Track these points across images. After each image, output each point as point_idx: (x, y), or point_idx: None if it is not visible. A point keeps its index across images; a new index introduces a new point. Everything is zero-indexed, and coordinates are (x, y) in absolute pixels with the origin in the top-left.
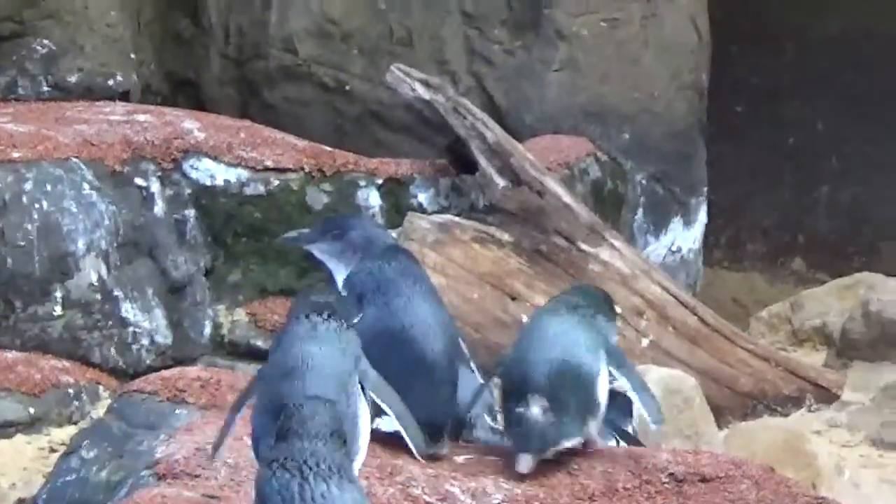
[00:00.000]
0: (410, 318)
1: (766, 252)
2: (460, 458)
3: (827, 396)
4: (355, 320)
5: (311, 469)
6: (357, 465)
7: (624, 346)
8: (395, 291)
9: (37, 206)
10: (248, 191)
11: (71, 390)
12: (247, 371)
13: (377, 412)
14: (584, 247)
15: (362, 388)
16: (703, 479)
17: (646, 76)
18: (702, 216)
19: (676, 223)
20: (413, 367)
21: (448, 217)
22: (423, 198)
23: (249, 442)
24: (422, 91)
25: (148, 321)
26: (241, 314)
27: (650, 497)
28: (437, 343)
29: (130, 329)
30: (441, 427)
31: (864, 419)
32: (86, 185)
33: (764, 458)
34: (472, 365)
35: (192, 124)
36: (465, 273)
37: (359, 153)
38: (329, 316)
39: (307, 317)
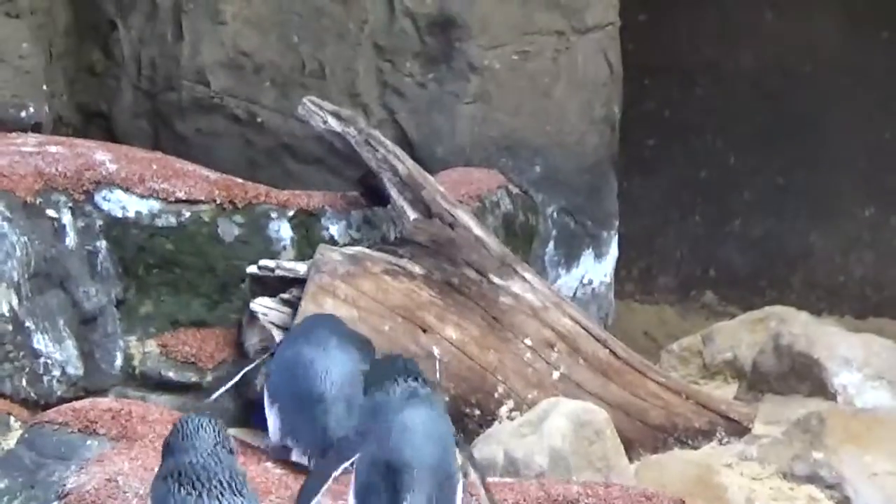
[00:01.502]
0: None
1: (678, 285)
2: None
3: (738, 429)
4: None
5: (203, 485)
6: None
7: (535, 379)
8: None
9: None
10: (160, 222)
11: None
12: (158, 402)
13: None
14: (495, 279)
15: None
16: None
17: (558, 109)
18: (613, 249)
19: (588, 256)
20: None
21: (359, 249)
22: (334, 230)
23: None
24: (334, 123)
25: (59, 352)
26: (152, 346)
27: None
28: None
29: (42, 360)
30: None
31: (775, 452)
32: None
33: (675, 490)
34: None
35: (103, 156)
36: (376, 305)
37: (270, 185)
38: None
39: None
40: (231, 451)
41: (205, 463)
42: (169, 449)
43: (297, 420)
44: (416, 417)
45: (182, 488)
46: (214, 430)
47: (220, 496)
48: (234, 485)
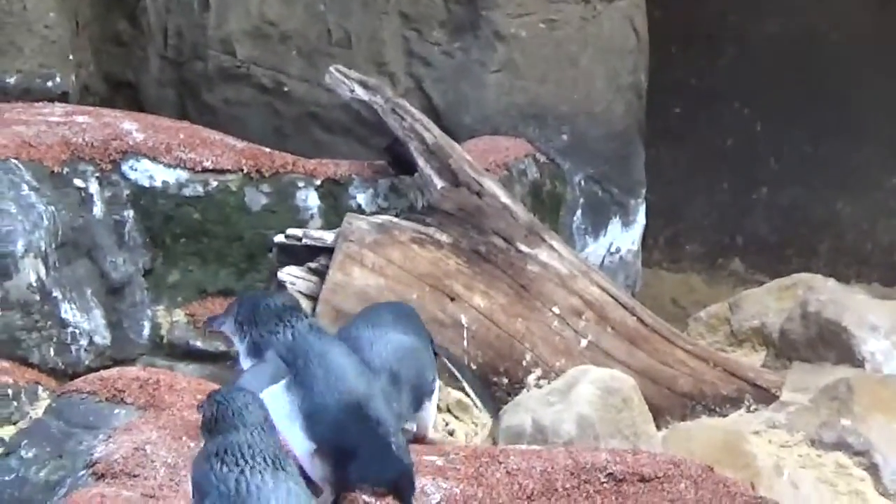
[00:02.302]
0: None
1: (705, 253)
2: None
3: (766, 397)
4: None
5: (246, 462)
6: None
7: (563, 347)
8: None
9: None
10: (187, 192)
11: (10, 391)
12: (185, 372)
13: None
14: (522, 247)
15: None
16: (643, 479)
17: (584, 77)
18: (640, 217)
19: (615, 224)
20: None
21: (387, 218)
22: (361, 199)
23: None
24: (360, 92)
25: (87, 322)
26: (179, 315)
27: (589, 497)
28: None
29: (69, 330)
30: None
31: (803, 419)
32: (25, 187)
33: (703, 458)
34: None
35: (130, 125)
36: (403, 274)
37: (297, 154)
38: None
39: None
40: (274, 428)
41: (248, 440)
42: (210, 426)
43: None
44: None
45: (224, 465)
46: (257, 407)
47: (262, 472)
48: (277, 461)
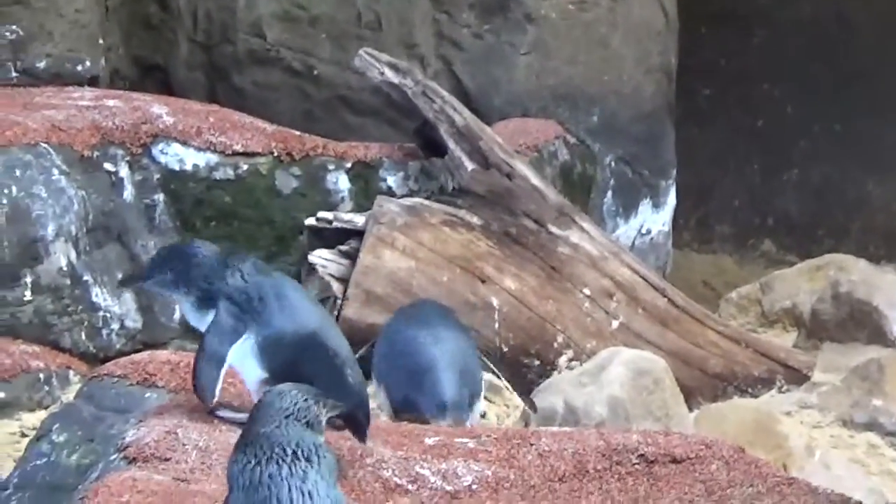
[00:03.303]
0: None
1: (736, 234)
2: (430, 440)
3: (797, 377)
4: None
5: (264, 453)
6: None
7: (594, 328)
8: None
9: (6, 191)
10: (218, 175)
11: (41, 375)
12: None
13: None
14: (553, 229)
15: None
16: (674, 460)
17: (614, 59)
18: (671, 198)
19: (646, 205)
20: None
21: (417, 200)
22: (392, 181)
23: (221, 426)
24: (390, 75)
25: (118, 306)
26: None
27: (621, 478)
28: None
29: (100, 313)
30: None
31: (835, 400)
32: (55, 171)
33: (734, 439)
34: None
35: (160, 109)
36: (434, 256)
37: (327, 137)
38: None
39: None
40: (308, 424)
41: (272, 432)
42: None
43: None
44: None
45: (245, 457)
46: (289, 401)
47: (279, 463)
48: (300, 452)
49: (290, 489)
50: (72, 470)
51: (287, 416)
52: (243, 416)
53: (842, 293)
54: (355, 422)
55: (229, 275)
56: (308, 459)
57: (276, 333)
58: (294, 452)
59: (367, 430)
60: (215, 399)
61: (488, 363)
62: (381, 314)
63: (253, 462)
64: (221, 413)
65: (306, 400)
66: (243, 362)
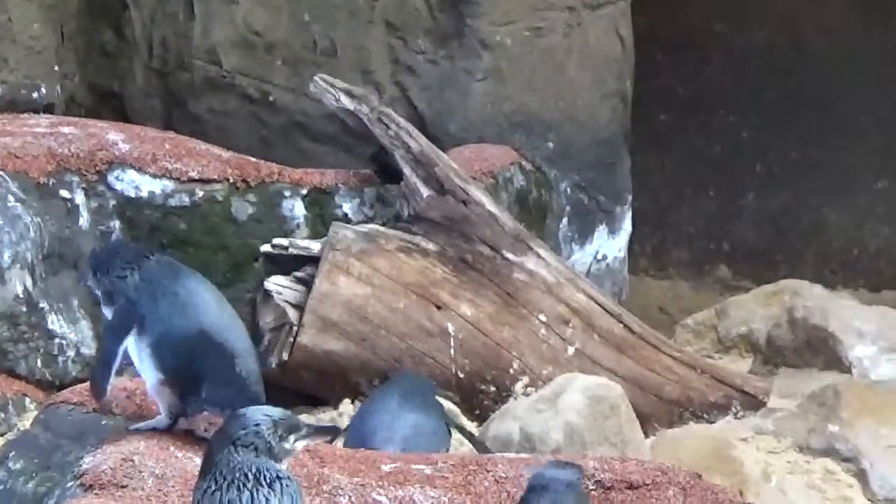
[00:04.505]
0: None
1: (691, 260)
2: (387, 467)
3: (753, 403)
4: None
5: (224, 478)
6: None
7: (550, 355)
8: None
9: None
10: (173, 202)
11: None
12: None
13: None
14: (509, 255)
15: None
16: (631, 486)
17: (570, 85)
18: (627, 224)
19: (601, 231)
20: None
21: (373, 227)
22: (347, 207)
23: (177, 453)
24: (346, 101)
25: (74, 333)
26: None
27: None
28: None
29: (57, 340)
30: None
31: (791, 425)
32: (11, 197)
33: (691, 465)
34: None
35: (116, 136)
36: (390, 282)
37: (283, 164)
38: None
39: None
40: (258, 450)
41: (234, 459)
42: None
43: None
44: (193, 280)
45: (205, 482)
46: (241, 426)
47: (240, 489)
48: (263, 478)
49: None
50: (28, 497)
51: (235, 441)
52: (154, 423)
53: (797, 318)
54: None
55: (129, 273)
56: (270, 486)
57: (165, 333)
58: (256, 478)
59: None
60: (107, 395)
61: (452, 426)
62: (337, 341)
63: (213, 487)
64: (134, 426)
65: (258, 425)
66: (141, 365)
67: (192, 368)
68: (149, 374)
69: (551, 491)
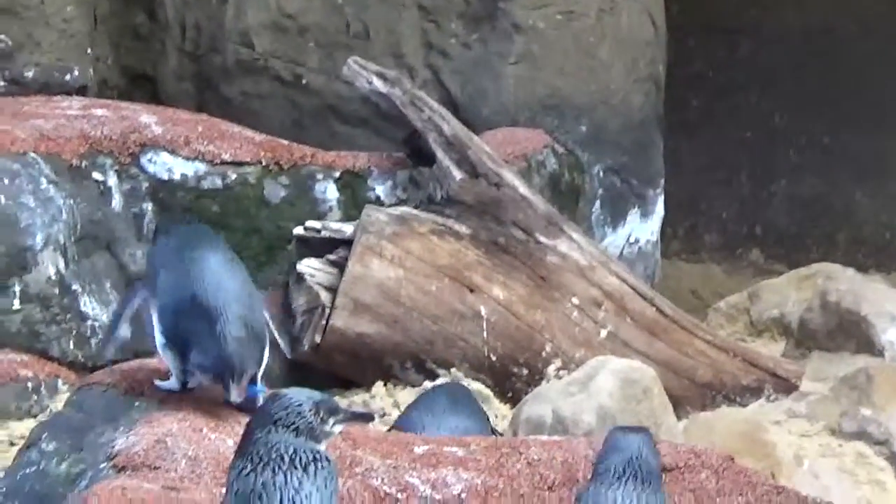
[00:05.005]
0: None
1: (724, 243)
2: (419, 449)
3: (786, 387)
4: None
5: (261, 459)
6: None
7: (582, 338)
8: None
9: None
10: (206, 184)
11: (30, 384)
12: None
13: None
14: (541, 239)
15: None
16: (663, 469)
17: (602, 68)
18: (659, 208)
19: (634, 215)
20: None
21: (405, 209)
22: (380, 190)
23: (210, 435)
24: (378, 84)
25: (106, 315)
26: None
27: None
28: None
29: (89, 322)
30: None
31: (824, 409)
32: (43, 180)
33: (723, 448)
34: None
35: (149, 118)
36: (422, 265)
37: (316, 146)
38: None
39: None
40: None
41: (271, 440)
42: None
43: None
44: (200, 249)
45: (241, 461)
46: (282, 407)
47: (275, 470)
48: (299, 460)
49: (281, 500)
50: (61, 479)
51: (276, 421)
52: (168, 385)
53: (830, 302)
54: (222, 379)
55: (159, 240)
56: (305, 469)
57: (166, 298)
58: (291, 460)
59: (230, 387)
60: (109, 357)
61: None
62: (369, 323)
63: (249, 468)
64: (157, 383)
65: (300, 405)
66: (153, 332)
67: (183, 334)
68: (156, 337)
69: (626, 449)
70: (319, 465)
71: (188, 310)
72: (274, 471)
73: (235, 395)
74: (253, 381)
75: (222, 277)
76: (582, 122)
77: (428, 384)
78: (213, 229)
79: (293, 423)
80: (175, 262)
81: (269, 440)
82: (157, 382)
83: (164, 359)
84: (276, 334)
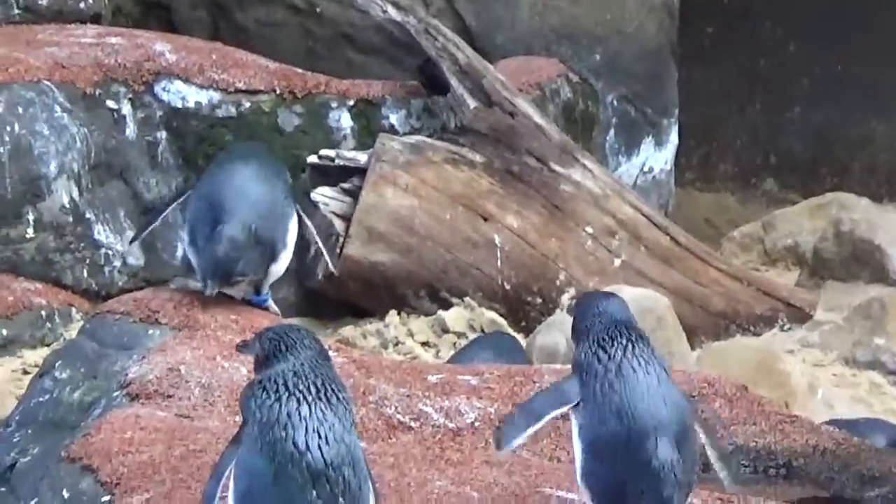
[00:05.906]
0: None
1: (738, 173)
2: (433, 378)
3: (800, 316)
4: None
5: (287, 389)
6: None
7: (596, 266)
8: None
9: (8, 128)
10: (220, 113)
11: (43, 312)
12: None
13: None
14: (555, 167)
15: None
16: None
17: None
18: (673, 137)
19: (648, 144)
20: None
21: (420, 138)
22: (394, 119)
23: (223, 363)
24: (393, 12)
25: (120, 243)
26: None
27: None
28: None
29: (103, 251)
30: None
31: (837, 338)
32: (57, 108)
33: (737, 377)
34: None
35: (163, 46)
36: (436, 194)
37: (330, 75)
38: None
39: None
40: (327, 359)
41: (293, 370)
42: (261, 361)
43: None
44: (239, 162)
45: (265, 393)
46: (309, 340)
47: (299, 400)
48: (321, 391)
49: (306, 431)
50: (74, 407)
51: (309, 355)
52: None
53: (844, 232)
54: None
55: (218, 155)
56: (328, 400)
57: (194, 198)
58: (317, 392)
59: (206, 284)
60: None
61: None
62: (383, 252)
63: (273, 398)
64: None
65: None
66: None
67: (193, 232)
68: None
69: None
70: (342, 397)
71: (205, 209)
72: (299, 402)
73: (209, 290)
74: (257, 290)
75: (247, 185)
76: (596, 52)
77: (441, 313)
78: (269, 149)
79: (303, 352)
80: (215, 169)
81: (297, 370)
82: (179, 279)
83: (189, 256)
84: (323, 248)
